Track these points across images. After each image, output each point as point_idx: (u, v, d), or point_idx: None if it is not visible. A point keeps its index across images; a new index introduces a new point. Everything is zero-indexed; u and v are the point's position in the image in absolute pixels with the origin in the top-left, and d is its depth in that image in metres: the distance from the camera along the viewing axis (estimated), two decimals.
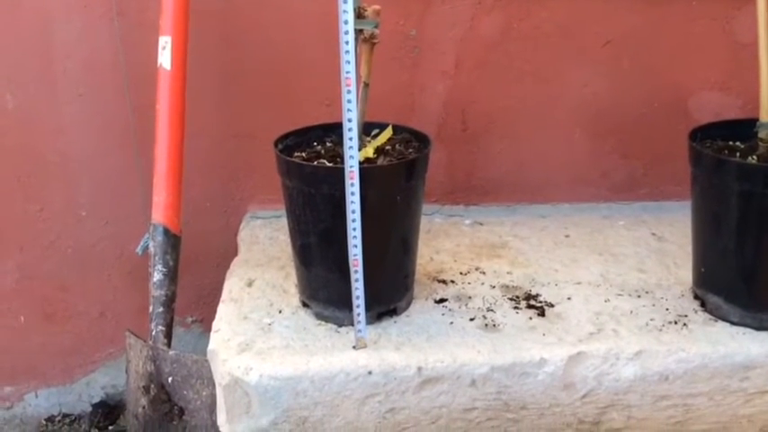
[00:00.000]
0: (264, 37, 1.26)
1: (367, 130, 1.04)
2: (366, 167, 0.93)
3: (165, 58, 1.08)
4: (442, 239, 1.28)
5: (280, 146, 1.02)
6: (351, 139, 0.89)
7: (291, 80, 1.29)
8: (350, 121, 0.89)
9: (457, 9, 1.26)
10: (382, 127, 1.06)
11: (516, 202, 1.40)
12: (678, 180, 1.37)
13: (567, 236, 1.29)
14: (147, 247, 1.16)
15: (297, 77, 1.29)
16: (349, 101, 0.88)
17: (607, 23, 1.28)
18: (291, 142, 1.05)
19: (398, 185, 0.96)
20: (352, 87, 0.87)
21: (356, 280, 0.94)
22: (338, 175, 0.91)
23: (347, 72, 0.87)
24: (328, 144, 1.05)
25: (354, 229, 0.92)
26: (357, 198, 0.91)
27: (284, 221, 1.15)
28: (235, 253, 1.29)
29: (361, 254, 0.93)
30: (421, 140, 1.05)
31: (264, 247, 1.25)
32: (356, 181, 0.90)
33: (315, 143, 1.06)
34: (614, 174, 1.38)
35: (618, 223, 1.34)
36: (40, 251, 1.38)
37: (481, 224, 1.34)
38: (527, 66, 1.30)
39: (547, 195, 1.39)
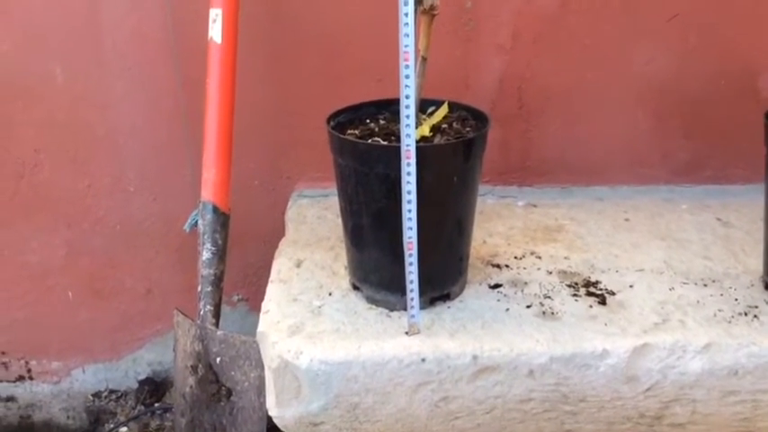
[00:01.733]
0: (315, 11, 1.23)
1: (422, 107, 1.00)
2: (423, 146, 0.89)
3: (215, 32, 1.05)
4: (494, 221, 1.23)
5: (332, 123, 0.98)
6: (408, 116, 0.85)
7: (342, 55, 1.26)
8: (407, 97, 0.85)
9: None
10: (438, 104, 1.02)
11: (572, 184, 1.34)
12: (745, 163, 1.31)
13: (626, 219, 1.23)
14: (195, 224, 1.15)
15: (347, 52, 1.25)
16: (407, 76, 0.84)
17: None
18: (344, 119, 1.01)
19: (455, 166, 0.92)
20: (411, 62, 0.83)
21: (410, 264, 0.91)
22: (393, 154, 0.87)
23: (406, 46, 0.83)
24: (381, 122, 1.02)
25: (410, 211, 0.88)
26: (413, 178, 0.87)
27: (332, 200, 1.13)
28: (282, 232, 1.27)
29: (416, 236, 0.89)
30: (478, 118, 1.00)
31: (313, 227, 1.23)
32: (413, 160, 0.86)
33: (368, 120, 1.02)
34: (676, 155, 1.32)
35: (680, 207, 1.28)
36: (88, 227, 1.38)
37: (535, 206, 1.29)
38: (587, 41, 1.24)
39: (605, 177, 1.34)
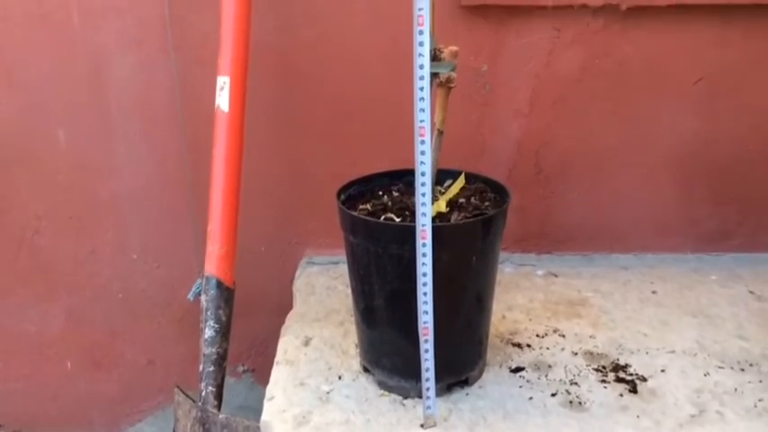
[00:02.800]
0: (326, 73, 1.19)
1: (438, 178, 0.94)
2: (439, 226, 0.83)
3: (222, 100, 1.01)
4: (513, 293, 1.17)
5: (342, 196, 0.93)
6: (423, 194, 0.80)
7: (353, 117, 1.22)
8: (423, 174, 0.79)
9: (533, 43, 1.16)
10: (454, 175, 0.96)
11: (594, 252, 1.29)
12: None
13: (653, 292, 1.17)
14: (199, 293, 1.09)
15: (359, 115, 1.21)
16: (422, 152, 0.79)
17: (699, 59, 1.16)
18: (355, 191, 0.96)
19: (474, 245, 0.86)
20: (427, 137, 0.78)
21: (426, 350, 0.84)
22: (408, 234, 0.81)
23: (421, 121, 0.78)
24: (395, 194, 0.96)
25: (425, 294, 0.82)
26: (429, 260, 0.81)
27: (342, 268, 1.07)
28: (290, 300, 1.21)
29: (432, 321, 0.83)
30: (497, 191, 0.95)
31: (322, 298, 1.17)
32: (428, 241, 0.81)
33: (380, 192, 0.97)
34: (704, 222, 1.26)
35: (710, 278, 1.21)
36: (89, 295, 1.32)
37: (556, 275, 1.23)
38: (609, 104, 1.19)
39: (629, 244, 1.28)
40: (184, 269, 1.29)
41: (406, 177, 0.98)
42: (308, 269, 1.27)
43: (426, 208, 0.80)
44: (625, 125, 1.20)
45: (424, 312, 0.83)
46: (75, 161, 1.24)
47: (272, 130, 1.22)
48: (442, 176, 0.96)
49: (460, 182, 0.95)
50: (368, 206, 0.91)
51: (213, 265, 1.04)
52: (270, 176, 1.25)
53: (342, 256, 0.97)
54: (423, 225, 0.81)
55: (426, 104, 0.77)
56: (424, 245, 0.81)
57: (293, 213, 1.28)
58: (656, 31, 1.14)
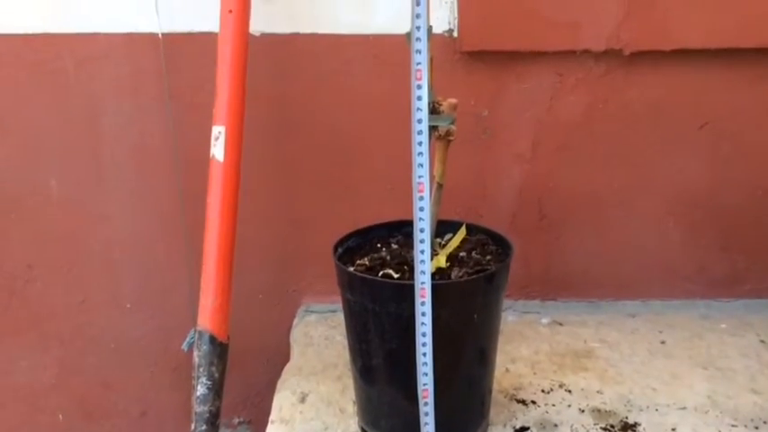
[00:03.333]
0: (324, 121, 1.17)
1: (438, 229, 0.91)
2: (439, 284, 0.80)
3: (218, 150, 0.98)
4: (517, 343, 1.13)
5: (339, 250, 0.90)
6: (422, 251, 0.77)
7: (351, 164, 1.19)
8: (422, 231, 0.76)
9: (534, 88, 1.14)
10: (454, 226, 0.93)
11: (599, 298, 1.25)
12: None
13: (662, 342, 1.13)
14: (193, 344, 1.06)
15: (357, 162, 1.19)
16: (421, 208, 0.76)
17: (704, 103, 1.14)
18: (353, 244, 0.93)
19: (475, 302, 0.83)
20: (425, 193, 0.76)
21: (426, 414, 0.80)
22: (407, 292, 0.78)
23: (420, 176, 0.75)
24: (393, 246, 0.93)
25: (425, 355, 0.79)
26: (429, 319, 0.78)
27: (341, 317, 1.04)
28: (287, 349, 1.18)
29: (432, 383, 0.80)
30: (499, 243, 0.92)
31: (319, 350, 1.13)
32: (428, 299, 0.78)
33: (378, 245, 0.94)
34: (712, 268, 1.23)
35: (720, 326, 1.17)
36: (81, 345, 1.29)
37: (561, 324, 1.20)
38: (613, 149, 1.17)
39: (635, 291, 1.24)
40: (179, 318, 1.26)
41: (405, 228, 0.96)
42: (306, 318, 1.24)
43: (425, 265, 0.77)
44: (630, 170, 1.18)
45: (424, 374, 0.80)
46: (68, 210, 1.22)
47: (270, 176, 1.20)
48: (442, 228, 0.93)
49: (461, 234, 0.92)
50: (365, 261, 0.88)
51: (206, 319, 1.00)
52: (267, 223, 1.22)
53: (340, 303, 0.94)
54: (422, 283, 0.78)
55: (425, 159, 0.75)
56: (423, 303, 0.78)
57: (291, 260, 1.25)
58: (661, 76, 1.12)
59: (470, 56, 1.12)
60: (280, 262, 1.25)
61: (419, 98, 0.73)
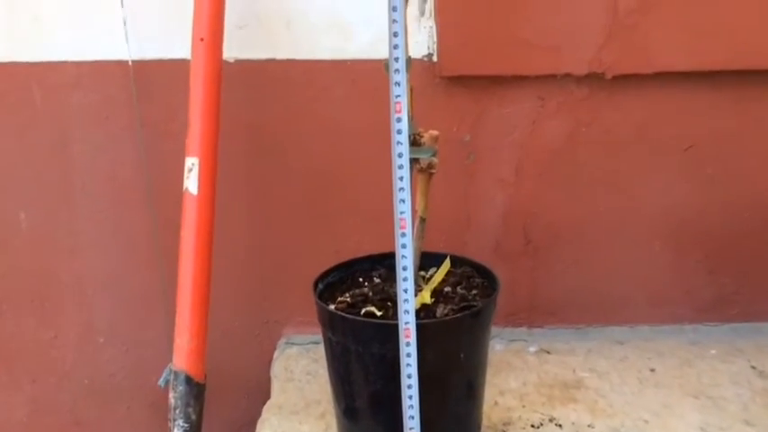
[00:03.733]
0: (301, 148, 1.14)
1: (422, 262, 0.88)
2: (424, 323, 0.77)
3: (191, 182, 0.95)
4: (505, 374, 1.10)
5: (320, 286, 0.87)
6: (406, 290, 0.74)
7: (331, 193, 1.16)
8: (405, 269, 0.73)
9: (516, 112, 1.12)
10: (437, 258, 0.91)
11: (587, 324, 1.22)
12: None
13: (652, 370, 1.10)
14: (169, 380, 1.02)
15: (337, 190, 1.16)
16: (404, 245, 0.73)
17: (689, 126, 1.12)
18: (334, 279, 0.90)
19: (462, 340, 0.80)
20: (408, 229, 0.73)
21: None
22: (391, 332, 0.75)
23: (402, 213, 0.72)
24: (376, 280, 0.90)
25: (411, 397, 0.76)
26: (414, 360, 0.75)
27: (323, 349, 1.00)
28: (267, 384, 1.14)
29: (419, 425, 0.76)
30: (484, 276, 0.89)
31: (301, 386, 1.10)
32: (413, 340, 0.75)
33: (361, 279, 0.91)
34: (700, 292, 1.20)
35: (709, 352, 1.15)
36: (53, 382, 1.24)
37: (548, 352, 1.17)
38: (598, 173, 1.15)
39: (623, 316, 1.21)
40: (155, 352, 1.22)
41: (388, 261, 0.93)
42: (287, 350, 1.20)
43: (409, 304, 0.74)
44: (615, 194, 1.16)
45: (410, 417, 0.76)
46: (38, 242, 1.17)
47: (247, 206, 1.17)
48: (425, 260, 0.90)
49: (445, 267, 0.89)
50: (347, 297, 0.85)
51: (182, 360, 0.96)
52: (244, 252, 1.19)
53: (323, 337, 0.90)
54: (406, 323, 0.75)
55: (407, 195, 0.72)
56: (408, 344, 0.75)
57: (270, 290, 1.21)
58: (644, 99, 1.10)
59: (451, 81, 1.10)
60: (258, 292, 1.21)
61: (399, 131, 0.70)
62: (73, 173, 1.15)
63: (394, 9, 0.66)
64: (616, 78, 1.07)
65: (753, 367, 1.11)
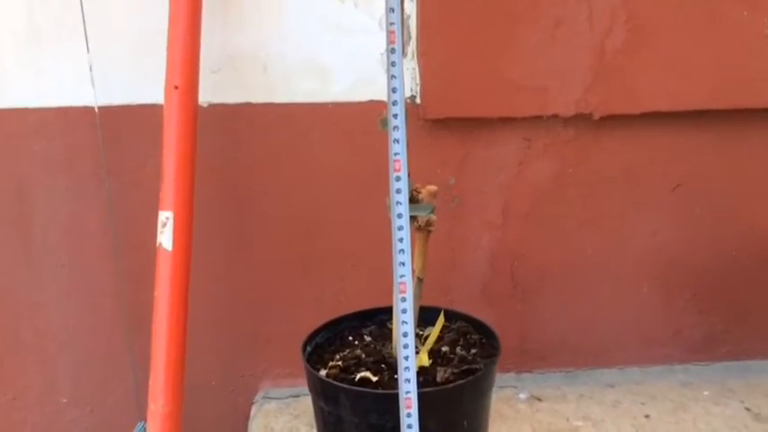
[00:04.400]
0: (279, 194, 1.09)
1: None
2: (426, 392, 0.72)
3: (165, 238, 0.89)
4: (497, 426, 1.06)
5: (308, 348, 0.81)
6: (407, 357, 0.69)
7: (310, 240, 1.11)
8: (405, 335, 0.69)
9: (501, 154, 1.09)
10: (430, 313, 0.86)
11: (577, 368, 1.19)
12: (765, 335, 1.18)
13: (646, 416, 1.07)
14: None
15: (317, 237, 1.11)
16: (404, 310, 0.68)
17: (676, 165, 1.10)
18: (322, 339, 0.85)
19: (465, 407, 0.75)
20: (408, 294, 0.68)
21: None
22: (390, 402, 0.70)
23: (402, 276, 0.67)
24: (367, 338, 0.85)
25: None
26: (416, 431, 0.70)
27: (304, 403, 0.96)
28: None
29: None
30: (482, 332, 0.85)
31: None
32: (414, 410, 0.70)
33: (350, 337, 0.86)
34: (690, 331, 1.19)
35: (702, 393, 1.13)
36: None
37: (539, 399, 1.13)
38: (585, 214, 1.12)
39: (613, 359, 1.19)
40: (121, 412, 1.14)
41: (377, 317, 0.88)
42: (265, 406, 1.14)
43: (410, 372, 0.69)
44: (603, 235, 1.13)
45: None
46: None
47: (223, 254, 1.11)
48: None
49: (440, 323, 0.84)
50: (338, 361, 0.79)
51: (157, 426, 0.90)
52: (220, 303, 1.13)
53: (303, 387, 0.85)
54: (407, 393, 0.69)
55: (407, 257, 0.67)
56: (409, 415, 0.70)
57: (247, 342, 1.15)
58: (631, 139, 1.08)
59: (435, 123, 1.06)
60: (234, 345, 1.15)
61: (398, 191, 0.66)
62: (34, 224, 1.07)
63: (393, 64, 0.62)
64: (603, 119, 1.06)
65: (747, 409, 1.08)
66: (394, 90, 0.64)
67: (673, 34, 1.02)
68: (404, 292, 0.68)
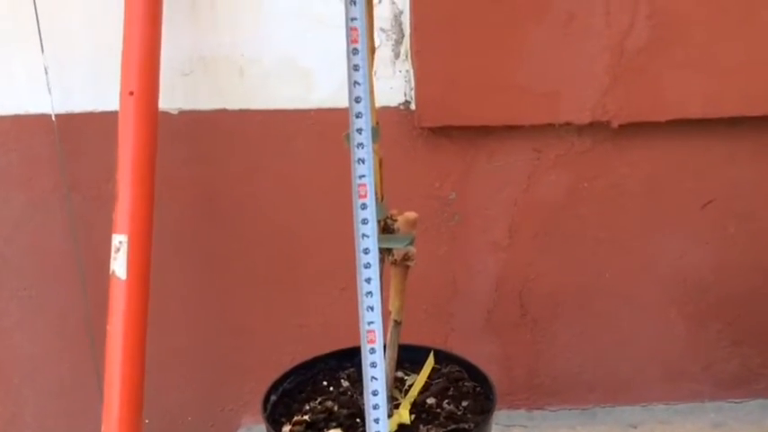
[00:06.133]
0: (259, 210, 1.00)
1: (398, 358, 0.72)
2: None
3: (118, 265, 0.79)
4: None
5: (272, 397, 0.70)
6: (377, 420, 0.57)
7: (294, 261, 1.02)
8: (375, 394, 0.57)
9: (508, 166, 0.98)
10: (417, 353, 0.74)
11: (594, 404, 1.09)
12: None
13: None
14: None
15: (302, 258, 1.02)
16: (373, 364, 0.57)
17: (706, 179, 0.99)
18: (291, 385, 0.73)
19: None
20: (378, 344, 0.56)
21: None
22: None
23: (370, 323, 0.56)
24: (344, 384, 0.74)
25: None
26: None
27: None
28: None
29: None
30: (476, 378, 0.73)
31: None
32: None
33: (324, 382, 0.74)
34: (722, 365, 1.07)
35: None
36: None
37: None
38: (603, 233, 1.01)
39: (634, 395, 1.08)
40: None
41: (358, 357, 0.76)
42: None
43: None
44: (623, 257, 1.02)
45: None
46: None
47: (197, 278, 1.02)
48: (403, 354, 0.74)
49: (428, 366, 0.73)
50: (306, 415, 0.68)
51: None
52: (196, 331, 1.04)
53: None
54: None
55: (376, 300, 0.56)
56: None
57: (226, 373, 1.06)
58: (656, 150, 0.97)
59: (432, 132, 0.96)
60: (213, 376, 1.07)
61: (364, 221, 0.54)
62: None
63: (355, 68, 0.51)
64: (623, 127, 0.95)
65: None
66: (357, 100, 0.52)
67: (703, 31, 0.91)
68: (373, 341, 0.56)
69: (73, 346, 1.02)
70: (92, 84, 0.93)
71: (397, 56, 0.93)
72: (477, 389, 0.72)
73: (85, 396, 1.05)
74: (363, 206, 0.54)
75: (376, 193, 0.56)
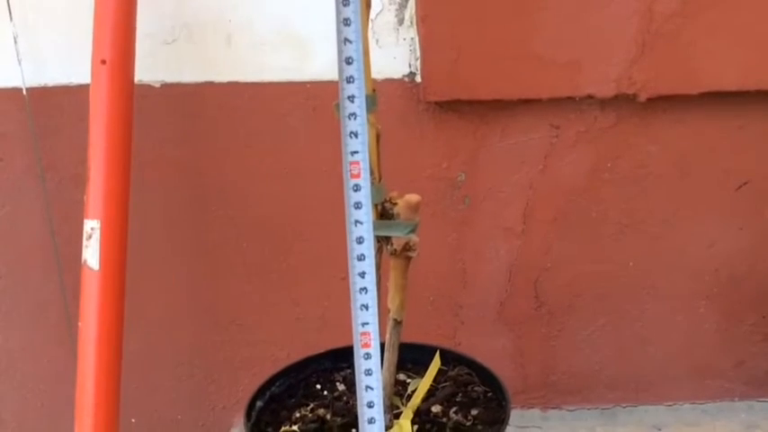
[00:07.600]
0: (251, 192, 0.93)
1: (400, 356, 0.65)
2: None
3: (90, 253, 0.71)
4: None
5: (258, 404, 0.63)
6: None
7: (290, 247, 0.95)
8: (371, 405, 0.49)
9: (523, 144, 0.91)
10: (422, 352, 0.67)
11: (615, 404, 1.03)
12: None
13: None
14: None
15: (297, 244, 0.95)
16: (368, 371, 0.49)
17: (741, 159, 0.92)
18: (280, 389, 0.66)
19: None
20: (374, 349, 0.49)
21: None
22: None
23: (364, 324, 0.48)
24: (340, 387, 0.67)
25: None
26: None
27: None
28: None
29: None
30: (486, 381, 0.65)
31: None
32: None
33: (318, 385, 0.67)
34: (755, 361, 1.01)
35: None
36: None
37: None
38: (626, 218, 0.94)
39: (659, 393, 1.02)
40: None
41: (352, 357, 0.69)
42: None
43: None
44: (649, 244, 0.95)
45: None
46: None
47: (185, 267, 0.97)
48: (406, 354, 0.66)
49: (434, 367, 0.65)
50: (296, 424, 0.61)
51: None
52: (184, 325, 0.98)
53: None
54: None
55: (371, 297, 0.48)
56: None
57: (217, 370, 1.01)
58: (687, 126, 0.90)
59: (439, 106, 0.89)
60: (203, 372, 1.01)
61: (357, 205, 0.46)
62: None
63: (346, 22, 0.43)
64: (651, 101, 0.88)
65: None
66: (348, 61, 0.44)
67: None
68: (368, 345, 0.49)
69: (51, 338, 0.97)
70: (66, 54, 0.86)
71: (400, 22, 0.86)
72: (489, 394, 0.64)
73: (67, 393, 0.98)
74: (356, 187, 0.46)
75: (372, 173, 0.48)
